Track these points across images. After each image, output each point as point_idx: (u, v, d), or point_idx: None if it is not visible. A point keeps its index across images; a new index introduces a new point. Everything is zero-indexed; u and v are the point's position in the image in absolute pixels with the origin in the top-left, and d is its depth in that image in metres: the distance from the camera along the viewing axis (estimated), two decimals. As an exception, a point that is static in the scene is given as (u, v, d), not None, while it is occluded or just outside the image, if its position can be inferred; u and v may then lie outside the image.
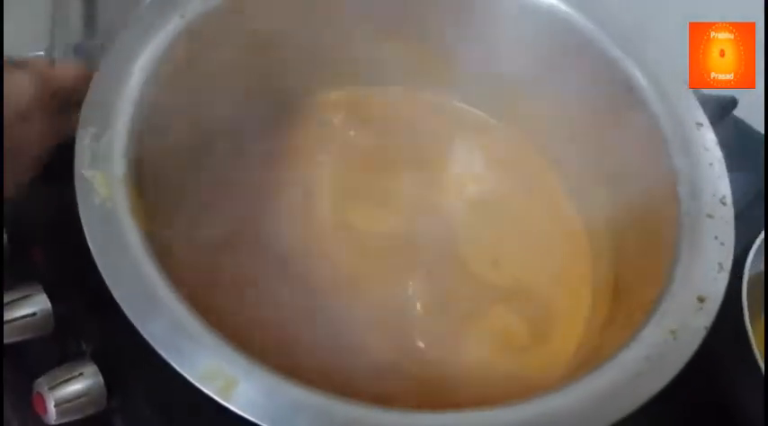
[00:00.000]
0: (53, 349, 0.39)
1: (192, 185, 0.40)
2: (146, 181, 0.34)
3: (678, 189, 0.37)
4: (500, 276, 0.42)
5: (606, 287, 0.41)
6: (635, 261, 0.40)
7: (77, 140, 0.33)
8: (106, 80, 0.35)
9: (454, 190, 0.46)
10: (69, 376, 0.36)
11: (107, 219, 0.31)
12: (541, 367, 0.39)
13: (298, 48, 0.44)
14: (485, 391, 0.37)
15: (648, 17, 0.47)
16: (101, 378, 0.36)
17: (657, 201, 0.38)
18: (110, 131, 0.34)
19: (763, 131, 0.54)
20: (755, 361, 0.37)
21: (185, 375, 0.28)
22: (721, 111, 0.51)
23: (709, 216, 0.36)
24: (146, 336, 0.28)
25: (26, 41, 0.41)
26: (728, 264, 0.34)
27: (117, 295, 0.29)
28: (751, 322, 0.38)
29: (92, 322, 0.38)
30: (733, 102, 0.53)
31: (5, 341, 0.37)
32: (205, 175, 0.41)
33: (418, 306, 0.40)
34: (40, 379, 0.35)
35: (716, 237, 0.35)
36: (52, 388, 0.35)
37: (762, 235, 0.41)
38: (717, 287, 0.34)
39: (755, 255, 0.40)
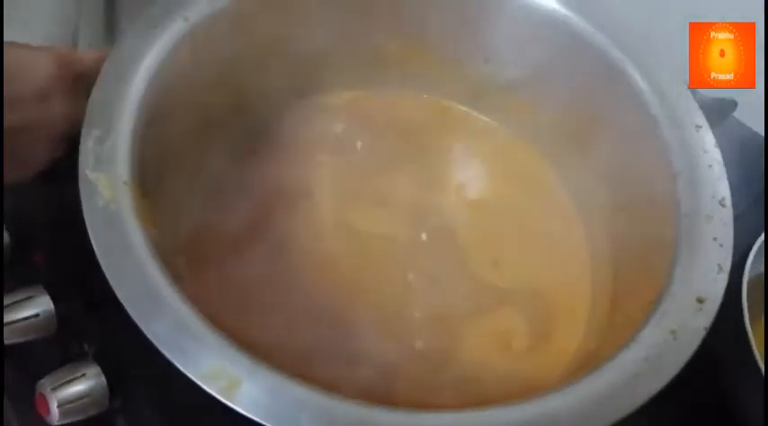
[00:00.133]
0: (55, 350, 0.39)
1: (195, 187, 0.40)
2: (149, 183, 0.34)
3: (677, 190, 0.37)
4: (500, 276, 0.42)
5: (606, 287, 0.41)
6: (634, 261, 0.40)
7: (81, 142, 0.33)
8: (110, 83, 0.35)
9: (454, 191, 0.46)
10: (72, 377, 0.36)
11: (111, 221, 0.31)
12: (541, 367, 0.39)
13: (299, 50, 0.45)
14: (485, 391, 0.37)
15: (648, 17, 0.47)
16: (103, 379, 0.36)
17: (657, 202, 0.39)
18: (114, 134, 0.34)
19: (762, 133, 0.54)
20: (755, 363, 0.37)
21: (189, 375, 0.28)
22: (721, 114, 0.51)
23: (709, 217, 0.36)
24: (149, 336, 0.29)
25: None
26: (727, 265, 0.35)
27: (121, 295, 0.29)
28: (751, 323, 0.38)
29: (94, 323, 0.38)
30: (732, 105, 0.53)
31: (8, 342, 0.37)
32: (207, 177, 0.41)
33: (419, 306, 0.40)
34: (42, 380, 0.35)
35: (715, 239, 0.35)
36: (55, 389, 0.35)
37: (762, 237, 0.41)
38: (716, 288, 0.34)
39: (755, 257, 0.40)
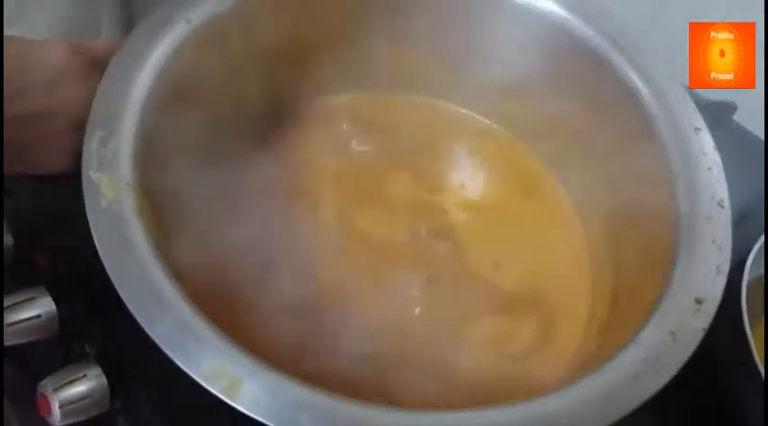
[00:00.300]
0: (57, 351, 0.39)
1: (196, 187, 0.40)
2: (152, 185, 0.34)
3: (676, 192, 0.38)
4: (500, 278, 0.42)
5: (605, 289, 0.41)
6: (634, 263, 0.40)
7: (85, 144, 0.34)
8: (113, 85, 0.36)
9: (454, 193, 0.46)
10: (73, 377, 0.36)
11: (114, 221, 0.32)
12: (541, 368, 0.39)
13: (300, 53, 0.45)
14: (485, 392, 0.37)
15: (648, 17, 0.47)
16: (104, 380, 0.36)
17: (656, 204, 0.39)
18: (117, 135, 0.34)
19: (761, 136, 0.54)
20: (755, 365, 0.37)
21: (191, 374, 0.28)
22: (720, 116, 0.52)
23: (707, 219, 0.36)
24: (152, 336, 0.29)
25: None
26: (726, 267, 0.35)
27: (124, 295, 0.30)
28: (751, 325, 0.38)
29: (96, 324, 0.38)
30: (732, 108, 0.53)
31: (10, 343, 0.37)
32: (209, 179, 0.41)
33: (420, 307, 0.41)
34: (44, 381, 0.36)
35: (714, 240, 0.36)
36: (56, 390, 0.35)
37: (761, 239, 0.41)
38: (715, 289, 0.34)
39: (755, 259, 0.41)
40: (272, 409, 0.28)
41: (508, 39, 0.46)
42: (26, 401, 0.37)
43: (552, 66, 0.45)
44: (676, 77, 0.41)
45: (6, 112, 0.34)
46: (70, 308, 0.38)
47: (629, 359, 0.32)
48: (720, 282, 0.34)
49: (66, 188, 0.34)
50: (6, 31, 0.35)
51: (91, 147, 0.33)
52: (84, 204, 0.32)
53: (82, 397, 0.36)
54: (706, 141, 0.39)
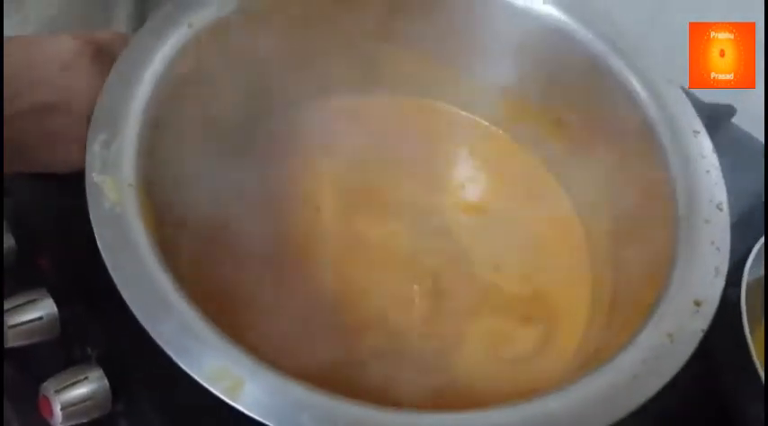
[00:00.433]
0: (59, 353, 0.39)
1: (198, 189, 0.41)
2: (154, 186, 0.34)
3: (675, 195, 0.38)
4: (501, 279, 0.42)
5: (605, 290, 0.41)
6: (633, 265, 0.40)
7: (88, 146, 0.34)
8: (116, 88, 0.36)
9: (454, 195, 0.46)
10: (75, 379, 0.36)
11: (117, 223, 0.32)
12: (541, 368, 0.39)
13: (300, 54, 0.45)
14: (485, 392, 0.38)
15: (648, 18, 0.47)
16: (106, 382, 0.36)
17: (655, 207, 0.39)
18: (119, 137, 0.34)
19: (761, 139, 0.54)
20: (755, 368, 0.37)
21: (193, 375, 0.28)
22: (719, 119, 0.52)
23: (706, 221, 0.36)
24: (155, 337, 0.29)
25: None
26: (724, 268, 0.35)
27: (126, 297, 0.30)
28: (750, 327, 0.38)
29: (97, 326, 0.38)
30: (731, 110, 0.53)
31: (12, 345, 0.37)
32: (210, 179, 0.41)
33: (420, 309, 0.41)
34: (46, 383, 0.36)
35: (712, 243, 0.36)
36: (58, 392, 0.35)
37: (761, 241, 0.42)
38: (713, 291, 0.34)
39: (754, 261, 0.41)
40: (272, 409, 0.28)
41: (508, 41, 0.46)
42: (27, 401, 0.37)
43: (551, 68, 0.45)
44: (676, 80, 0.42)
45: (18, 106, 0.34)
46: (72, 311, 0.38)
47: (628, 361, 0.32)
48: (719, 284, 0.34)
49: (69, 189, 0.34)
50: (18, 30, 0.35)
51: (94, 150, 0.34)
52: (86, 205, 0.32)
53: (84, 399, 0.36)
54: (705, 144, 0.39)
